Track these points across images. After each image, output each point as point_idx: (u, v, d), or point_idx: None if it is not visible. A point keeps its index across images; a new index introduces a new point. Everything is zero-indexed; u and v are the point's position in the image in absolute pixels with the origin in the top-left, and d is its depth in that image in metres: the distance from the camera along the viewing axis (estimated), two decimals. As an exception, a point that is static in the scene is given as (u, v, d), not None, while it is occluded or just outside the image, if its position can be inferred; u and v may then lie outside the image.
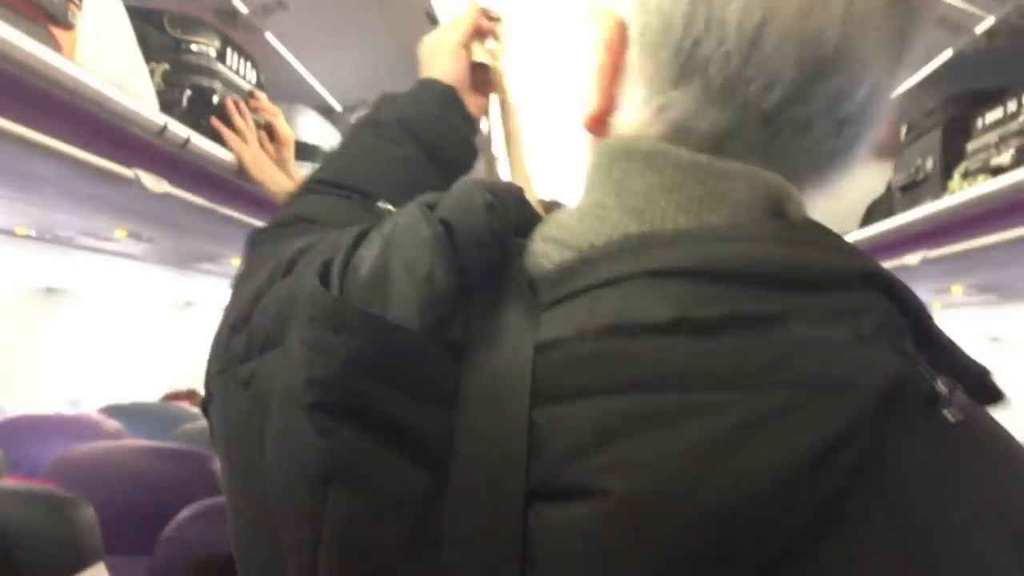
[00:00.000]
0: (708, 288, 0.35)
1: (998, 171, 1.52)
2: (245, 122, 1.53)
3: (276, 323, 0.42)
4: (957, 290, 2.37)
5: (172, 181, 1.42)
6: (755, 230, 0.38)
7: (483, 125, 0.84)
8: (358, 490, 0.35)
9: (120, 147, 1.27)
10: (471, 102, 0.79)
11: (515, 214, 0.42)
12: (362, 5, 1.94)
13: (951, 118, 1.79)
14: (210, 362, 0.48)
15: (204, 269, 3.22)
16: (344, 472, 0.35)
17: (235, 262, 2.93)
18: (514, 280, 0.39)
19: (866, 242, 2.07)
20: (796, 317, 0.34)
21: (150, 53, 1.40)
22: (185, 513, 1.60)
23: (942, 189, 1.75)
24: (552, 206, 1.25)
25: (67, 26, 1.08)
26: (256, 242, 0.64)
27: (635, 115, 0.42)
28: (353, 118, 2.50)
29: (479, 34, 0.83)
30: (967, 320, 3.05)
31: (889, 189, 2.14)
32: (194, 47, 1.49)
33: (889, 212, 2.03)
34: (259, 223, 1.88)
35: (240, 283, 0.53)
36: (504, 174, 0.86)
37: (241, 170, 1.51)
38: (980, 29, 1.65)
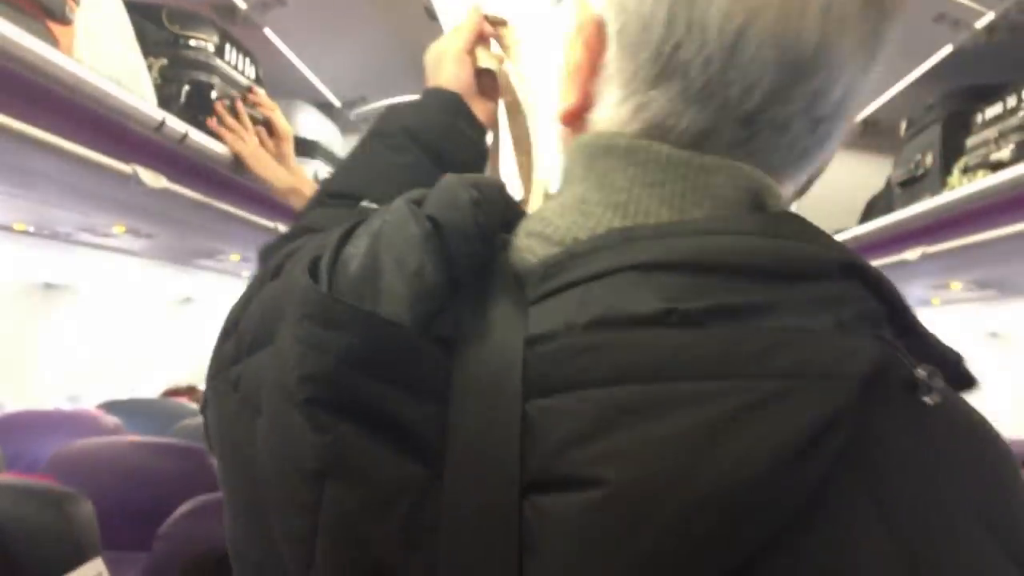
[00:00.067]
0: (694, 280, 0.36)
1: (998, 166, 1.52)
2: (241, 120, 1.53)
3: (263, 325, 0.42)
4: (956, 286, 2.37)
5: (170, 177, 1.42)
6: (738, 223, 0.38)
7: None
8: (354, 484, 0.36)
9: (118, 143, 1.27)
10: (479, 108, 0.79)
11: (500, 209, 0.42)
12: (361, 1, 1.94)
13: (951, 114, 1.79)
14: (208, 366, 0.49)
15: (203, 265, 3.22)
16: (340, 466, 0.36)
17: (234, 258, 2.93)
18: (501, 275, 0.40)
19: (865, 238, 2.07)
20: (781, 307, 0.35)
21: (148, 48, 1.40)
22: (183, 509, 1.60)
23: (941, 185, 1.75)
24: None
25: (65, 21, 1.08)
26: (265, 256, 0.64)
27: (613, 112, 0.43)
28: (352, 114, 2.50)
29: (483, 40, 0.83)
30: (966, 316, 3.05)
31: (888, 185, 2.14)
32: (192, 42, 1.49)
33: (888, 208, 2.04)
34: (258, 219, 1.88)
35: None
36: (512, 175, 0.85)
37: (239, 165, 1.51)
38: (980, 25, 1.65)
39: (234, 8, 1.73)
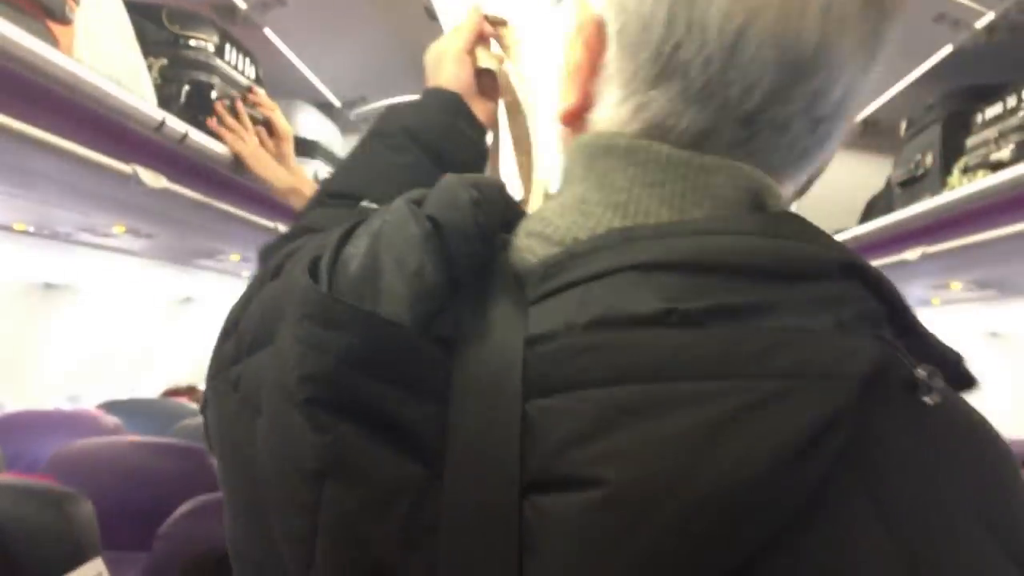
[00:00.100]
0: (694, 280, 0.36)
1: (998, 166, 1.52)
2: (241, 120, 1.53)
3: (263, 325, 0.42)
4: (956, 286, 2.37)
5: (170, 177, 1.42)
6: (738, 223, 0.38)
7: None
8: (354, 484, 0.36)
9: (118, 143, 1.27)
10: (479, 108, 0.79)
11: (500, 209, 0.42)
12: (361, 1, 1.94)
13: (951, 114, 1.79)
14: (208, 366, 0.49)
15: (203, 265, 3.21)
16: (340, 466, 0.36)
17: (234, 258, 2.93)
18: (501, 275, 0.40)
19: (865, 238, 2.07)
20: (781, 307, 0.35)
21: (148, 48, 1.40)
22: (183, 509, 1.60)
23: (941, 185, 1.75)
24: None
25: (65, 21, 1.08)
26: (265, 256, 0.64)
27: (613, 112, 0.43)
28: (352, 114, 2.50)
29: (483, 40, 0.83)
30: (966, 316, 3.05)
31: (888, 185, 2.14)
32: (192, 42, 1.49)
33: (888, 208, 2.03)
34: (258, 219, 1.88)
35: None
36: (512, 175, 0.85)
37: (239, 165, 1.51)
38: (980, 25, 1.65)
39: (234, 8, 1.73)
